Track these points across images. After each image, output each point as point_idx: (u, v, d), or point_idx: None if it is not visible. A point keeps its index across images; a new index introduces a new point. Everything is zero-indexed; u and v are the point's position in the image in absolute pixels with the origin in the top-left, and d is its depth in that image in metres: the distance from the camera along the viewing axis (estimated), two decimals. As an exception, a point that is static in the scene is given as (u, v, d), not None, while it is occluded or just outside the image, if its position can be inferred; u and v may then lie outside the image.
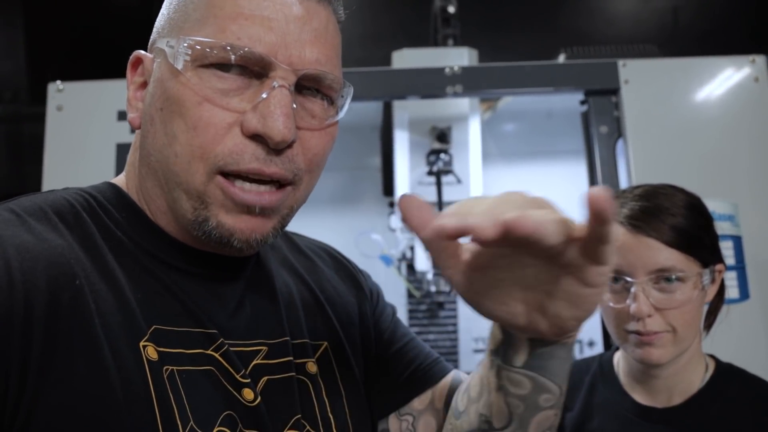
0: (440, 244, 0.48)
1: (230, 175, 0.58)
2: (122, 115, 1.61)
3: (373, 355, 0.78)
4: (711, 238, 0.98)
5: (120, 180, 0.68)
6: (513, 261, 0.48)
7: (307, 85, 0.60)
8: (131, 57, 0.66)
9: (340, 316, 0.75)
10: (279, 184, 0.59)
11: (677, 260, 0.93)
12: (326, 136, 0.62)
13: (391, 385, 0.77)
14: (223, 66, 0.57)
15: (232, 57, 0.56)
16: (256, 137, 0.56)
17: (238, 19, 0.57)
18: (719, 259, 0.99)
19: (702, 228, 0.97)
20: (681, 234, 0.93)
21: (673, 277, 0.93)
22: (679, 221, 0.94)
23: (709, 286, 0.97)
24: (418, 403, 0.76)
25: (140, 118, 0.63)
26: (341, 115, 0.64)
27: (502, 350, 0.59)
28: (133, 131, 1.58)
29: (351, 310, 0.77)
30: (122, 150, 1.58)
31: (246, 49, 0.56)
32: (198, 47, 0.57)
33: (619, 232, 0.96)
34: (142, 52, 0.65)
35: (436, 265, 0.50)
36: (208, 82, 0.57)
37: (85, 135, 1.60)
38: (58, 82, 1.62)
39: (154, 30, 0.64)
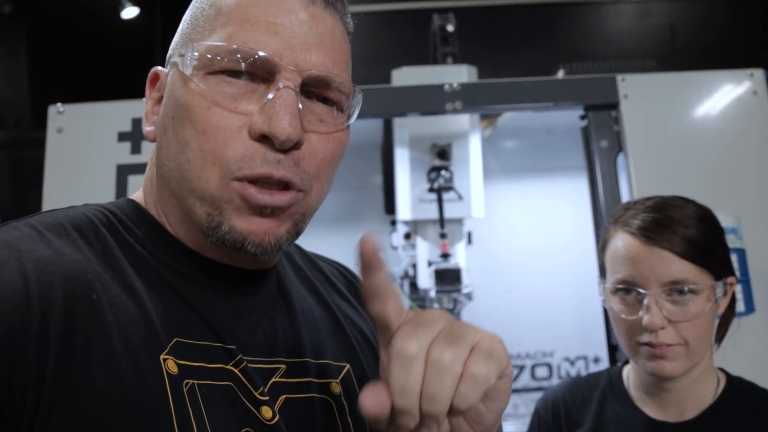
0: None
1: (241, 180, 0.58)
2: (122, 137, 1.61)
3: None
4: (723, 250, 0.98)
5: (138, 196, 0.68)
6: None
7: (314, 91, 0.61)
8: (150, 73, 0.67)
9: (357, 339, 0.75)
10: (286, 185, 0.59)
11: (690, 272, 0.92)
12: (334, 141, 0.62)
13: None
14: (231, 72, 0.58)
15: (240, 60, 0.57)
16: (263, 138, 0.57)
17: (244, 24, 0.58)
18: (731, 271, 0.98)
19: (714, 240, 0.96)
20: (694, 246, 0.93)
21: (686, 289, 0.92)
22: (692, 233, 0.93)
23: (721, 299, 0.96)
24: None
25: (155, 131, 0.65)
26: (351, 120, 0.64)
27: None
28: (133, 152, 1.59)
29: (367, 336, 0.77)
30: (122, 171, 1.59)
31: (254, 53, 0.57)
32: (206, 53, 0.58)
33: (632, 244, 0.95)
34: (160, 68, 0.67)
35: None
36: (216, 87, 0.58)
37: (85, 157, 1.60)
38: (59, 104, 1.62)
39: (171, 47, 0.66)
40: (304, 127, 0.59)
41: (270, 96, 0.57)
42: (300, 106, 0.58)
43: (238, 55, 0.57)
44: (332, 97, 0.62)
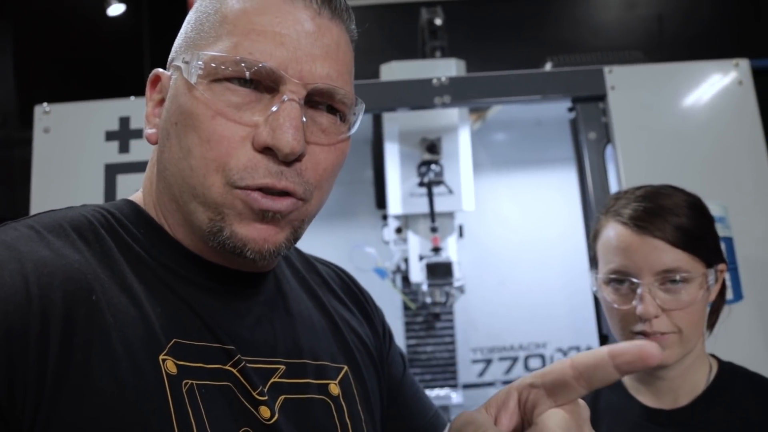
0: None
1: (242, 189, 0.58)
2: (110, 136, 1.60)
3: (384, 391, 0.79)
4: (713, 238, 0.99)
5: (137, 196, 0.69)
6: None
7: (318, 101, 0.61)
8: (150, 75, 0.67)
9: (354, 341, 0.76)
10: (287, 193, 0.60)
11: (683, 261, 0.93)
12: (336, 151, 0.63)
13: (404, 429, 0.79)
14: (235, 81, 0.58)
15: (245, 71, 0.57)
16: (267, 150, 0.57)
17: (250, 34, 0.58)
18: (721, 258, 0.99)
19: (705, 227, 0.98)
20: (685, 234, 0.94)
21: (679, 277, 0.93)
22: (683, 221, 0.94)
23: (713, 286, 0.97)
24: None
25: (157, 134, 0.65)
26: (353, 131, 0.65)
27: None
28: (121, 151, 1.58)
29: (364, 339, 0.78)
30: (111, 170, 1.58)
31: (260, 64, 0.57)
32: (211, 63, 0.58)
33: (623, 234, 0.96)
34: (161, 69, 0.66)
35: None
36: (221, 96, 0.58)
37: (73, 156, 1.59)
38: (45, 104, 1.61)
39: (173, 49, 0.66)
40: (306, 139, 0.59)
41: (274, 108, 0.57)
42: (304, 119, 0.58)
43: (243, 65, 0.57)
44: (335, 107, 0.62)
